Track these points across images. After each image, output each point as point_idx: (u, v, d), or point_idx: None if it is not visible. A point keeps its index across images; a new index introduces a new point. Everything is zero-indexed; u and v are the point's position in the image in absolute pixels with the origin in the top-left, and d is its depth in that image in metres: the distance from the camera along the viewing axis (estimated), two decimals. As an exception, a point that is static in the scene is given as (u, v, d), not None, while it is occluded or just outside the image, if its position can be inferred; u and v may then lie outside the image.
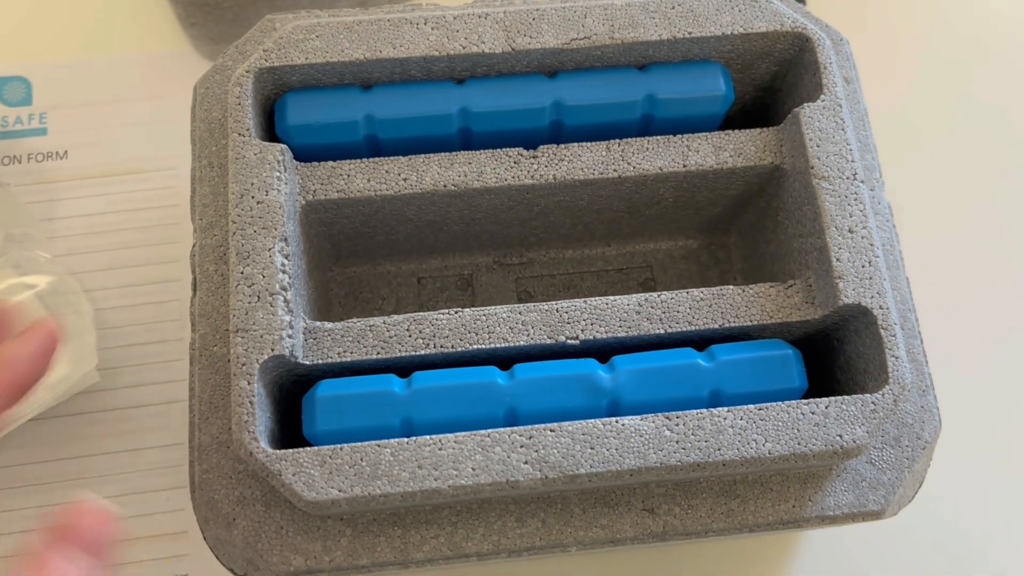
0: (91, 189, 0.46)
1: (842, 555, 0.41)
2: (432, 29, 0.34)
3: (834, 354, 0.34)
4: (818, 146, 0.33)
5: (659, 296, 0.33)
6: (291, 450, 0.29)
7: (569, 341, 0.32)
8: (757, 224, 0.38)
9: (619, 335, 0.32)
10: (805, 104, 0.34)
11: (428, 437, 0.29)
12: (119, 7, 0.50)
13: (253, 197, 0.31)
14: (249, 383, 0.29)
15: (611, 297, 0.32)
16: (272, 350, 0.30)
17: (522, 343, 0.32)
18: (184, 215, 0.46)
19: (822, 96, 0.34)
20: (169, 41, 0.49)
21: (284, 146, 0.32)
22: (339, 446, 0.29)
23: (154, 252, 0.45)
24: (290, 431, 0.32)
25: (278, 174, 0.32)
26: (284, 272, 0.31)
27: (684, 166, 0.34)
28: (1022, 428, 0.42)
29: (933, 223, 0.46)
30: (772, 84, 0.38)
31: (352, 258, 0.39)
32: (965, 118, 0.48)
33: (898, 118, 0.47)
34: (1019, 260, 0.45)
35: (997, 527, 0.41)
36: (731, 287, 0.33)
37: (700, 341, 0.33)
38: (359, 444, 0.29)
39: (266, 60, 0.33)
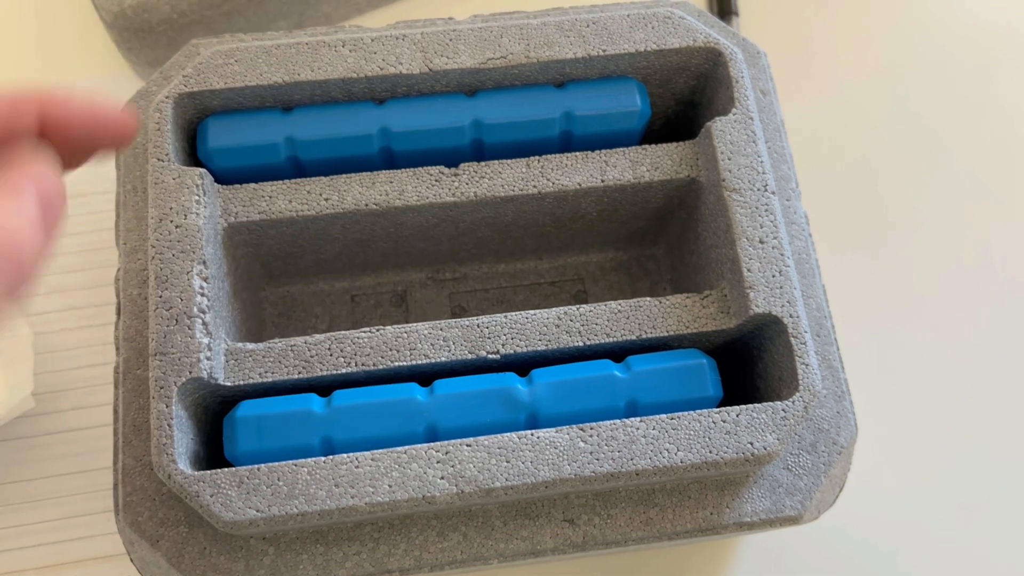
0: (29, 214, 0.46)
1: (776, 561, 0.41)
2: (350, 51, 0.34)
3: (753, 363, 0.35)
4: (729, 159, 0.34)
5: (578, 309, 0.33)
6: (209, 471, 0.29)
7: (490, 356, 0.32)
8: (681, 236, 0.38)
9: (539, 348, 0.32)
10: (717, 118, 0.34)
11: (345, 456, 0.29)
12: (60, 31, 0.50)
13: (172, 221, 0.32)
14: (167, 406, 0.30)
15: (531, 311, 0.33)
16: (190, 372, 0.30)
17: (443, 359, 0.32)
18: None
19: (734, 110, 0.34)
20: (109, 66, 0.49)
21: (203, 170, 0.33)
22: (256, 467, 0.29)
23: (92, 276, 0.45)
24: (217, 452, 0.32)
25: (197, 198, 0.32)
26: (203, 295, 0.31)
27: (602, 181, 0.35)
28: (940, 431, 0.43)
29: (852, 230, 0.46)
30: (692, 98, 0.39)
31: (284, 277, 0.39)
32: (887, 126, 0.49)
33: (824, 127, 0.48)
34: (939, 263, 0.46)
35: (920, 530, 0.42)
36: (648, 299, 0.33)
37: (620, 352, 0.33)
38: (276, 464, 0.29)
39: (186, 85, 0.34)
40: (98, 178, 0.47)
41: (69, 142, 0.25)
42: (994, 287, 0.46)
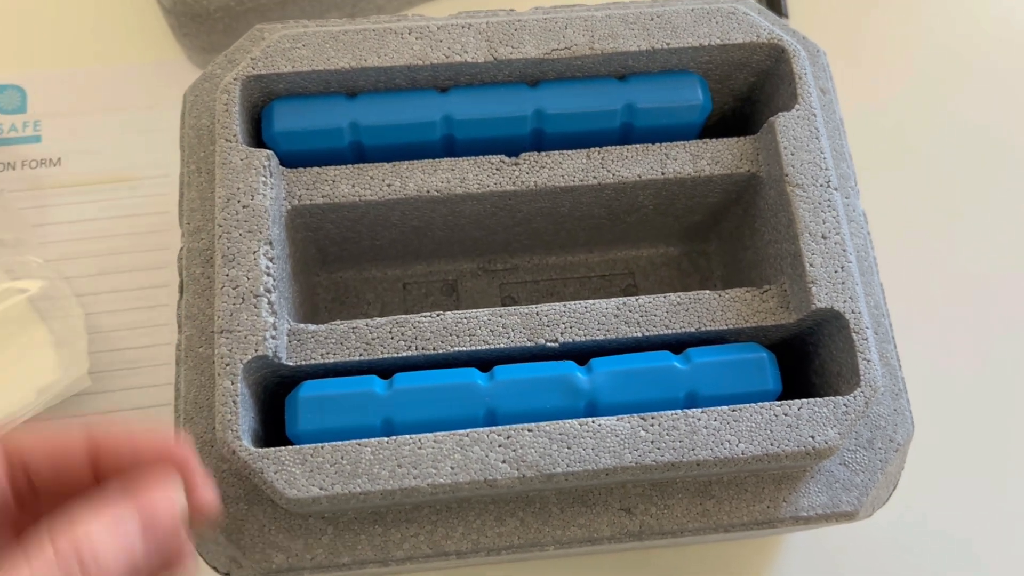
0: (83, 196, 0.47)
1: (822, 559, 0.41)
2: (416, 39, 0.35)
3: (809, 358, 0.35)
4: (792, 154, 0.34)
5: (637, 300, 0.33)
6: (273, 448, 0.29)
7: (548, 344, 0.33)
8: (735, 231, 0.38)
9: (597, 338, 0.33)
10: (780, 113, 0.34)
11: (408, 436, 0.30)
12: (114, 18, 0.50)
13: (239, 201, 0.32)
14: (233, 383, 0.30)
15: (590, 301, 0.33)
16: (256, 351, 0.30)
17: (502, 345, 0.32)
18: (174, 222, 0.47)
19: (797, 106, 0.34)
20: (162, 51, 0.50)
21: (270, 152, 0.33)
22: (320, 445, 0.29)
23: (144, 258, 0.46)
24: (274, 431, 0.33)
25: (264, 179, 0.33)
26: (269, 275, 0.31)
27: (663, 173, 0.35)
28: (996, 430, 0.43)
29: (910, 231, 0.46)
30: (750, 94, 0.39)
31: (338, 263, 0.39)
32: (944, 130, 0.49)
33: (878, 129, 0.48)
34: (995, 266, 0.46)
35: (972, 529, 0.41)
36: (708, 292, 0.33)
37: (677, 345, 0.33)
38: (340, 443, 0.29)
39: (254, 68, 0.34)
40: (151, 163, 0.47)
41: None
42: (1044, 293, 0.45)
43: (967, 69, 0.50)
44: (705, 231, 0.40)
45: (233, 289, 0.31)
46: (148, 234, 0.46)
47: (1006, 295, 0.45)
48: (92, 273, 0.45)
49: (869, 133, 0.47)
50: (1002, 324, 0.45)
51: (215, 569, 0.32)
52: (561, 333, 0.33)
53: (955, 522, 0.41)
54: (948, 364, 0.44)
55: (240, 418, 0.30)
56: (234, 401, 0.30)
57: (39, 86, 0.49)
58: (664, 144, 0.35)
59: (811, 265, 0.32)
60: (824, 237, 0.32)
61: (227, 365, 0.30)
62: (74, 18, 0.50)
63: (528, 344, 0.33)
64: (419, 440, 0.30)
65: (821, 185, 0.33)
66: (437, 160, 0.35)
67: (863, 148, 0.45)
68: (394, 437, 0.30)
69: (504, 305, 0.40)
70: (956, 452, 0.42)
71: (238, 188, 0.32)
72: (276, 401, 0.33)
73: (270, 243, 0.32)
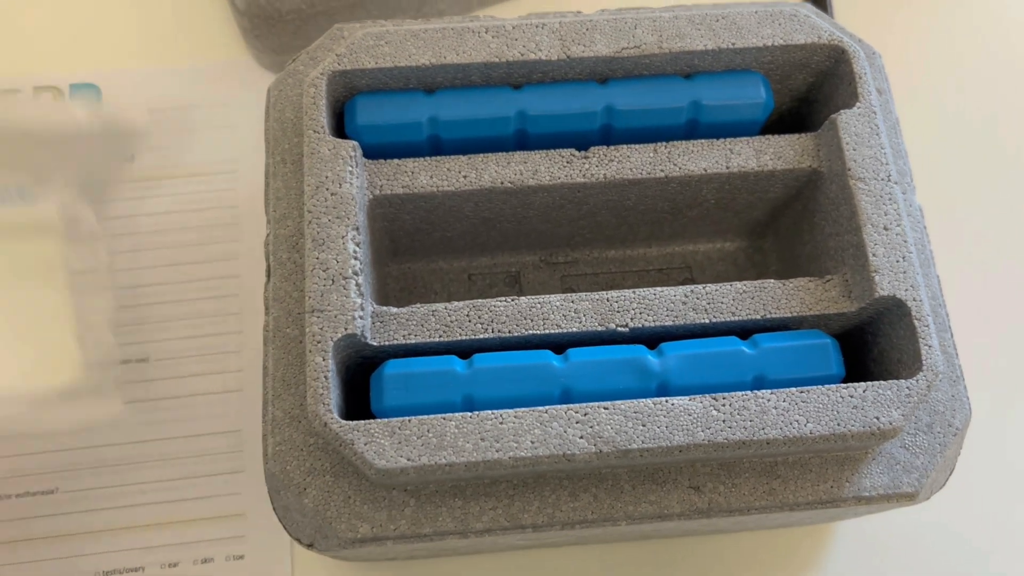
0: (155, 190, 0.49)
1: (872, 551, 0.42)
2: (493, 37, 0.36)
3: (867, 348, 0.36)
4: (854, 149, 0.35)
5: (704, 288, 0.35)
6: (362, 421, 0.31)
7: (619, 328, 0.34)
8: (793, 226, 0.40)
9: (666, 323, 0.34)
10: (842, 111, 0.36)
11: (490, 412, 0.31)
12: (185, 19, 0.52)
13: (327, 189, 0.34)
14: (324, 359, 0.31)
15: (659, 288, 0.34)
16: (345, 329, 0.32)
17: (574, 330, 0.34)
18: (243, 214, 0.49)
19: (858, 104, 0.36)
20: (231, 52, 0.52)
21: (355, 143, 0.35)
22: (407, 418, 0.31)
23: (214, 250, 0.48)
24: (353, 410, 0.34)
25: (350, 168, 0.34)
26: (356, 259, 0.33)
27: (727, 168, 0.36)
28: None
29: (962, 226, 0.48)
30: (807, 95, 0.40)
31: (408, 254, 0.41)
32: (992, 127, 0.50)
33: (928, 128, 0.49)
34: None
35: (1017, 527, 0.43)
36: (772, 281, 0.35)
37: (742, 332, 0.35)
38: (426, 417, 0.31)
39: (339, 64, 0.36)
40: (220, 159, 0.49)
41: None
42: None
43: (1013, 67, 0.52)
44: (763, 227, 0.42)
45: (323, 271, 0.33)
46: (218, 227, 0.48)
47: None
48: (163, 264, 0.47)
49: (920, 132, 0.48)
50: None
51: (298, 541, 0.33)
52: (631, 319, 0.34)
53: (1006, 514, 0.42)
54: (1003, 354, 0.45)
55: (331, 393, 0.31)
56: (325, 377, 0.31)
57: (113, 84, 0.50)
58: (728, 140, 0.37)
59: (874, 255, 0.33)
60: (886, 228, 0.34)
61: (319, 343, 0.32)
62: (147, 19, 0.52)
63: (599, 328, 0.34)
64: (501, 415, 0.31)
65: (882, 179, 0.35)
66: (510, 153, 0.36)
67: (915, 146, 0.47)
68: (477, 412, 0.31)
69: (565, 297, 0.42)
70: (1011, 441, 0.43)
71: (327, 177, 0.34)
72: (356, 380, 0.35)
73: (357, 228, 0.33)
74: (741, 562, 0.42)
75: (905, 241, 0.34)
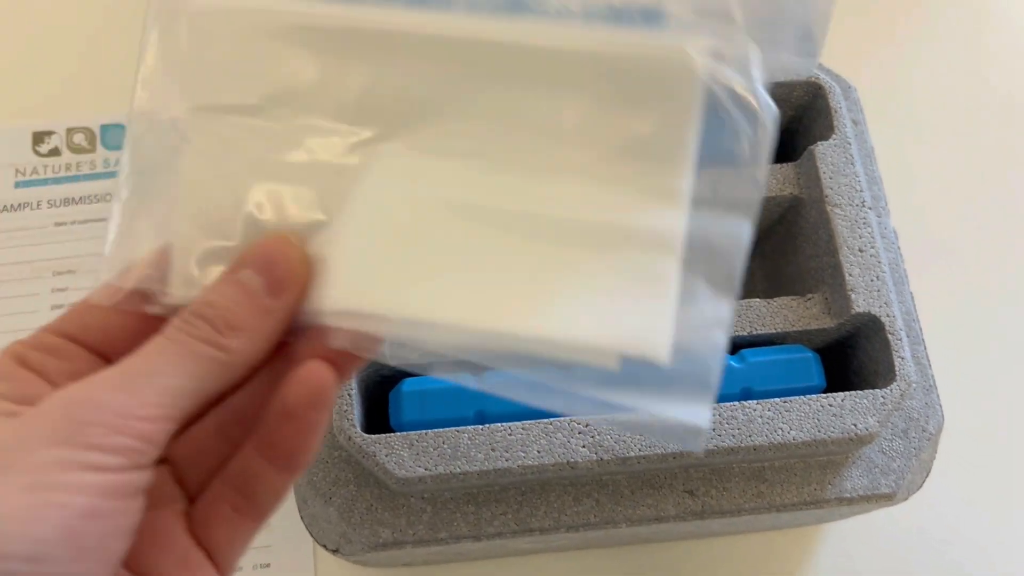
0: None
1: (858, 551, 0.45)
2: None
3: (847, 361, 0.39)
4: (831, 178, 0.38)
5: (694, 308, 0.37)
6: (383, 435, 0.34)
7: (617, 347, 0.37)
8: (777, 248, 0.43)
9: (660, 341, 0.37)
10: (819, 142, 0.39)
11: (499, 424, 0.34)
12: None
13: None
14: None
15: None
16: (366, 350, 0.35)
17: (576, 348, 0.37)
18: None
19: (833, 135, 0.39)
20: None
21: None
22: (424, 431, 0.34)
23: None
24: (372, 424, 0.37)
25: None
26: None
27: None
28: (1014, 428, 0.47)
29: (935, 247, 0.51)
30: (788, 126, 0.43)
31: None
32: (962, 152, 0.53)
33: (902, 155, 0.52)
34: (1010, 279, 0.50)
35: (995, 519, 0.45)
36: (757, 299, 0.38)
37: (731, 347, 0.38)
38: (441, 430, 0.34)
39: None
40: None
41: None
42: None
43: (979, 97, 0.55)
44: (750, 250, 0.44)
45: (345, 298, 0.35)
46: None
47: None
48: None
49: (895, 159, 0.51)
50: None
51: (325, 547, 0.36)
52: (628, 337, 0.37)
53: (983, 512, 0.45)
54: (975, 364, 0.48)
55: (354, 409, 0.34)
56: (349, 395, 0.34)
57: (138, 124, 0.54)
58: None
59: (850, 275, 0.36)
60: (861, 251, 0.37)
61: (341, 363, 0.34)
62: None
63: (598, 347, 0.37)
64: (509, 428, 0.34)
65: (856, 205, 0.38)
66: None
67: (890, 173, 0.50)
68: (487, 425, 0.34)
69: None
70: (984, 444, 0.46)
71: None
72: (375, 396, 0.38)
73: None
74: (735, 563, 0.45)
75: (879, 262, 0.37)
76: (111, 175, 0.52)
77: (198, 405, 0.22)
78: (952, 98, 0.55)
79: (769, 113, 0.23)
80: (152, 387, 0.21)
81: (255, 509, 0.24)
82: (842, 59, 0.54)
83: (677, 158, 0.23)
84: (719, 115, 0.23)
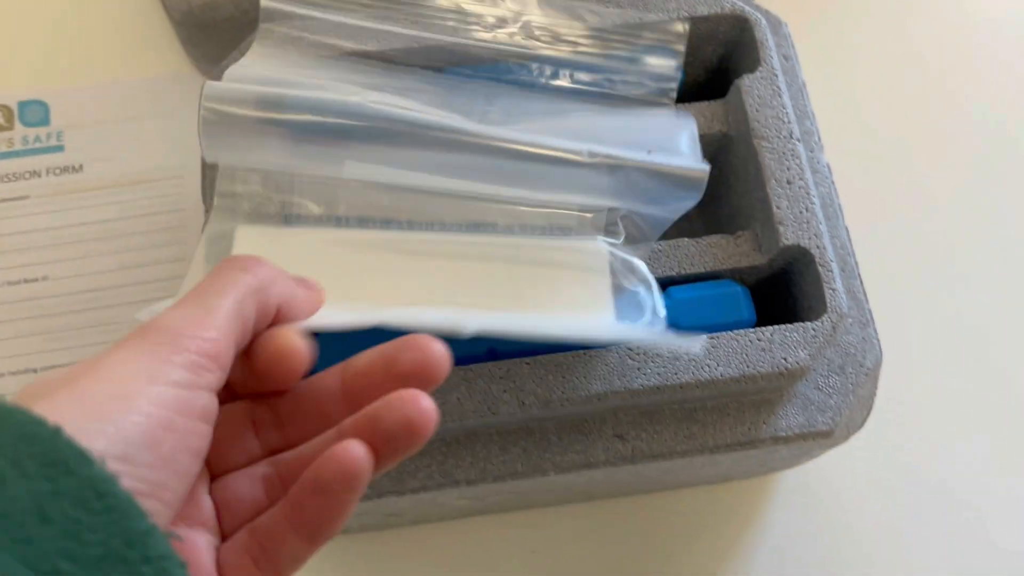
0: (104, 198, 0.50)
1: (810, 501, 0.44)
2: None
3: (786, 298, 0.38)
4: (757, 111, 0.37)
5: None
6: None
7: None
8: (712, 192, 0.41)
9: (587, 285, 0.36)
10: (745, 75, 0.38)
11: (417, 373, 0.32)
12: (128, 34, 0.54)
13: (255, 172, 0.35)
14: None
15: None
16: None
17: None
18: (188, 218, 0.50)
19: (760, 68, 0.38)
20: (173, 63, 0.54)
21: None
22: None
23: (162, 252, 0.49)
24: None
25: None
26: (284, 236, 0.34)
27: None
28: (959, 364, 0.46)
29: (873, 185, 0.50)
30: (720, 65, 0.42)
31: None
32: (902, 93, 0.52)
33: (841, 95, 0.52)
34: (962, 229, 0.49)
35: (945, 455, 0.44)
36: (686, 239, 0.36)
37: (662, 287, 0.36)
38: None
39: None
40: (165, 166, 0.51)
41: None
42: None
43: (923, 36, 0.54)
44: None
45: (253, 249, 0.34)
46: (165, 231, 0.50)
47: (973, 251, 0.49)
48: (114, 268, 0.49)
49: (836, 100, 0.50)
50: (968, 274, 0.48)
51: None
52: (553, 282, 0.36)
53: (930, 453, 0.44)
54: (918, 302, 0.47)
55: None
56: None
57: (61, 100, 0.52)
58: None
59: (778, 208, 0.35)
60: (789, 183, 0.36)
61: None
62: (91, 36, 0.54)
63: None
64: (427, 376, 0.32)
65: (784, 137, 0.36)
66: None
67: (831, 113, 0.49)
68: (404, 373, 0.32)
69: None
70: (929, 383, 0.45)
71: (254, 161, 0.35)
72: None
73: (284, 208, 0.35)
74: (684, 519, 0.43)
75: (808, 194, 0.35)
76: (31, 152, 0.50)
77: (246, 332, 0.25)
78: (898, 43, 0.54)
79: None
80: (211, 312, 0.24)
81: (273, 569, 0.24)
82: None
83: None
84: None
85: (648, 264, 0.36)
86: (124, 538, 0.19)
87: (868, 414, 0.36)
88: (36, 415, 0.20)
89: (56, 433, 0.20)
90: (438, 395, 0.32)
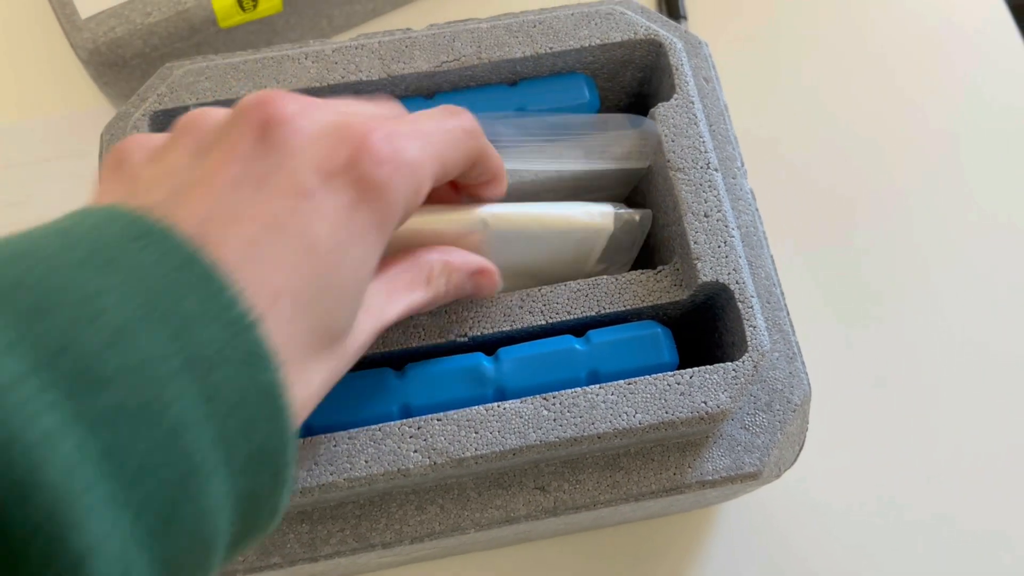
0: (19, 244, 0.48)
1: (753, 531, 0.43)
2: (312, 63, 0.37)
3: (711, 334, 0.37)
4: (673, 140, 0.36)
5: (539, 290, 0.35)
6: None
7: (459, 339, 0.34)
8: (638, 221, 0.40)
9: (504, 329, 0.34)
10: (660, 104, 0.36)
11: (322, 436, 0.31)
12: (36, 73, 0.52)
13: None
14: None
15: (496, 296, 0.35)
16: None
17: (415, 345, 0.34)
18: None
19: (675, 95, 0.37)
20: (86, 101, 0.52)
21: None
22: (240, 450, 0.31)
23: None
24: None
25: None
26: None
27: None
28: (888, 395, 0.45)
29: (801, 210, 0.49)
30: (641, 90, 0.41)
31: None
32: (824, 111, 0.51)
33: (770, 121, 0.50)
34: (886, 248, 0.48)
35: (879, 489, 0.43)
36: (605, 277, 0.35)
37: (581, 329, 0.35)
38: (258, 446, 0.31)
39: (160, 103, 0.36)
40: (76, 207, 0.49)
41: None
42: (941, 258, 0.48)
43: (857, 62, 0.53)
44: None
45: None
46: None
47: (900, 272, 0.48)
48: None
49: (763, 123, 0.49)
50: (895, 291, 0.47)
51: None
52: (470, 328, 0.34)
53: (870, 478, 0.43)
54: (849, 331, 0.46)
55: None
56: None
57: (-30, 142, 0.50)
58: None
59: (695, 243, 0.34)
60: (706, 215, 0.34)
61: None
62: (4, 76, 0.52)
63: (440, 341, 0.34)
64: (334, 438, 0.31)
65: (701, 167, 0.35)
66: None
67: (759, 137, 0.47)
68: (309, 438, 0.31)
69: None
70: (864, 413, 0.44)
71: (148, 216, 0.34)
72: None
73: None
74: (625, 554, 0.42)
75: (726, 227, 0.34)
76: (-61, 199, 0.49)
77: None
78: (827, 56, 0.53)
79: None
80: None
81: None
82: (700, 24, 0.52)
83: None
84: None
85: (566, 306, 0.35)
86: None
87: (800, 449, 0.35)
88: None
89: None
90: (343, 459, 0.31)
